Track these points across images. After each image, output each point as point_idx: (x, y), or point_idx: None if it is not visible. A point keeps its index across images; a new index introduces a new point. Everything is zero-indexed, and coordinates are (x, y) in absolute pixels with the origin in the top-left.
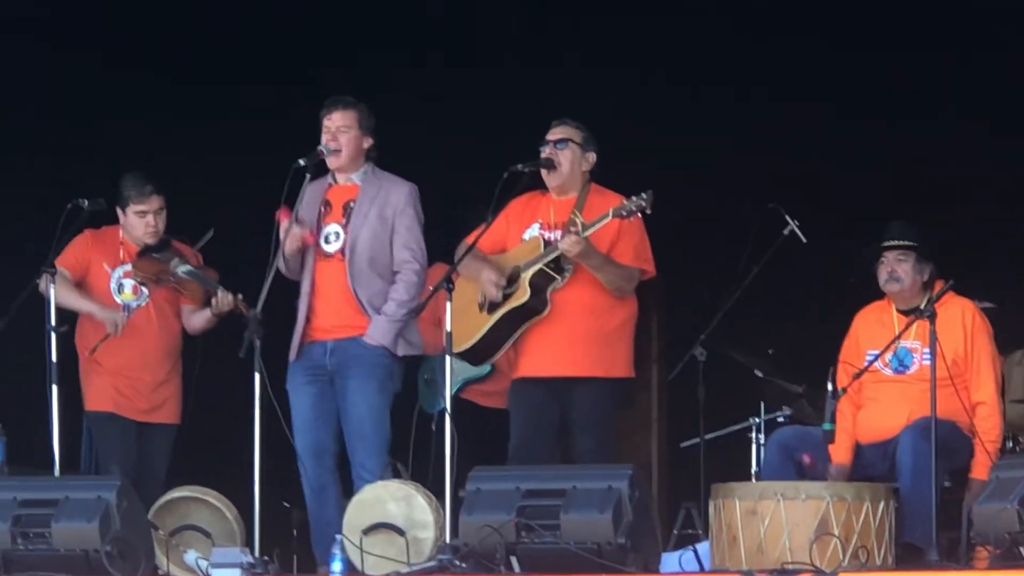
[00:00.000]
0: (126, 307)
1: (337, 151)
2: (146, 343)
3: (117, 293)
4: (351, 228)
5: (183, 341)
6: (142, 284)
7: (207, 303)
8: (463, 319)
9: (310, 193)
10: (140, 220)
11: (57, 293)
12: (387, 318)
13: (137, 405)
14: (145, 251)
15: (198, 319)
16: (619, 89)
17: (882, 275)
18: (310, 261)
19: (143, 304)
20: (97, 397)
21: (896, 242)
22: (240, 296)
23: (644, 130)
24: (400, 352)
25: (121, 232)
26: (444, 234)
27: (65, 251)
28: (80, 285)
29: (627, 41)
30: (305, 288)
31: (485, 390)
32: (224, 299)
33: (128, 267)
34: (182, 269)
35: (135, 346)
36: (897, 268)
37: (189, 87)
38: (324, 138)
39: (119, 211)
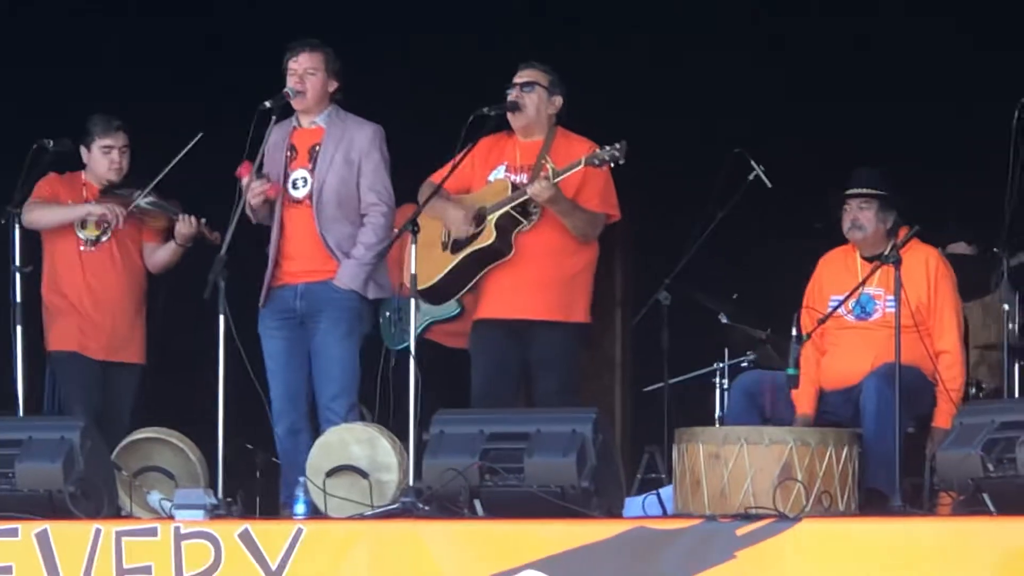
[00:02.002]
0: (88, 241)
1: (302, 93)
2: (109, 281)
3: (80, 229)
4: (317, 173)
5: (147, 281)
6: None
7: (170, 236)
8: (425, 258)
9: (275, 137)
10: (104, 157)
11: (41, 216)
12: (356, 261)
13: (101, 344)
14: (108, 189)
15: (162, 253)
16: (586, 34)
17: (845, 223)
18: (278, 207)
19: (106, 240)
20: (60, 337)
21: (859, 190)
22: (204, 220)
23: (610, 74)
24: (371, 295)
25: (84, 174)
26: (413, 174)
27: (36, 189)
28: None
29: None
30: (274, 234)
31: (450, 330)
32: (187, 224)
33: (92, 205)
34: (145, 200)
35: (99, 285)
36: (860, 216)
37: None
38: (290, 80)
39: (83, 150)
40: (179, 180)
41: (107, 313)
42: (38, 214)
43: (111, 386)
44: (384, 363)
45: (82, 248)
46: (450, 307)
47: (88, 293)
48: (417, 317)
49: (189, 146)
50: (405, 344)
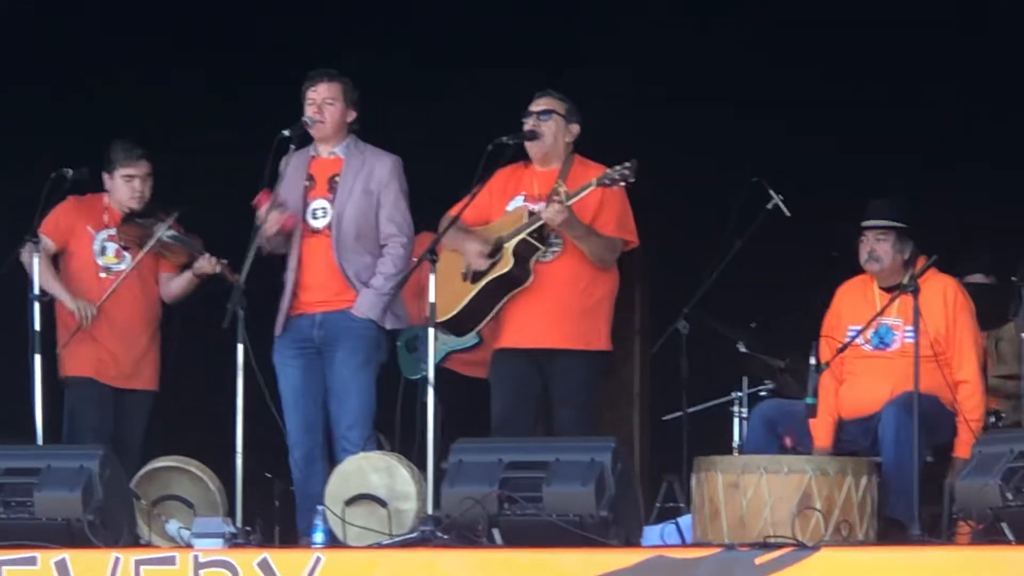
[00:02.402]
0: (107, 270)
1: (321, 122)
2: (127, 309)
3: (100, 255)
4: (337, 204)
5: (161, 309)
6: (125, 249)
7: (187, 267)
8: (446, 289)
9: (292, 166)
10: (127, 185)
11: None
12: (375, 291)
13: (116, 371)
14: (129, 217)
15: (177, 284)
16: (601, 59)
17: (862, 254)
18: (297, 236)
19: (128, 269)
20: (76, 362)
21: (875, 222)
22: (226, 262)
23: (628, 102)
24: (388, 325)
25: (106, 198)
26: (431, 203)
27: (48, 216)
28: (63, 251)
29: (615, 8)
30: (292, 263)
31: (468, 359)
32: (209, 264)
33: (112, 231)
34: (167, 234)
35: (116, 312)
36: (877, 247)
37: (182, 56)
38: (308, 110)
39: (105, 176)
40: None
41: (122, 340)
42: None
43: (124, 412)
44: (404, 393)
45: (101, 275)
46: (468, 337)
47: (105, 320)
48: (436, 347)
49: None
50: (422, 374)
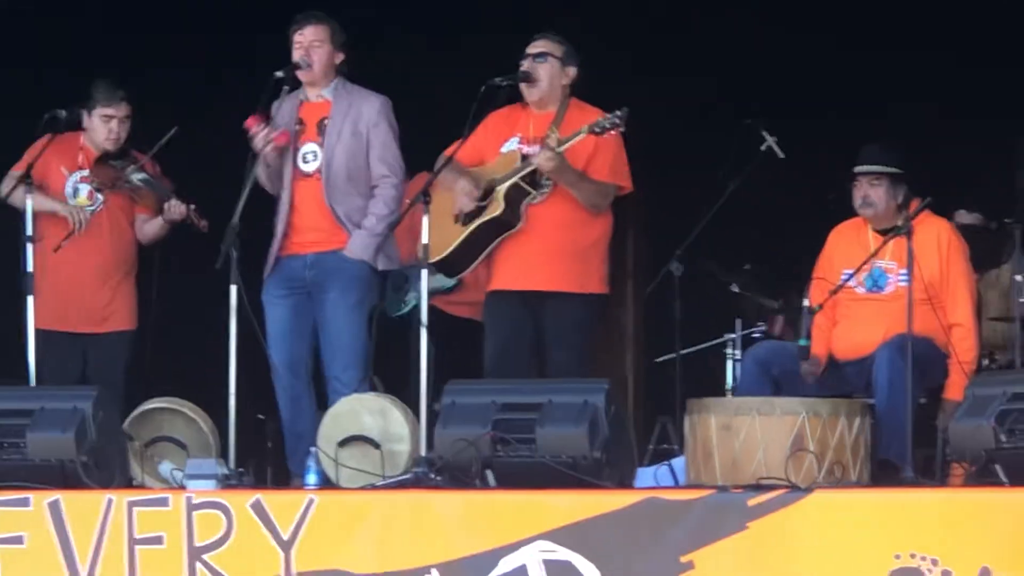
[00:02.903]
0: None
1: (309, 65)
2: (99, 250)
3: (72, 197)
4: (326, 146)
5: (136, 249)
6: (97, 190)
7: (161, 212)
8: (438, 230)
9: (283, 111)
10: (104, 125)
11: (12, 196)
12: (367, 232)
13: (84, 316)
14: (103, 158)
15: (151, 227)
16: (598, 4)
17: (856, 199)
18: (287, 179)
19: (98, 209)
20: (40, 312)
21: (868, 167)
22: (193, 207)
23: (623, 44)
24: (380, 267)
25: (82, 137)
26: (425, 144)
27: (26, 155)
28: (38, 187)
29: None
30: (283, 206)
31: (450, 299)
32: (176, 208)
33: (85, 172)
34: (137, 176)
35: (88, 252)
36: (870, 192)
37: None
38: (296, 53)
39: (84, 114)
40: (186, 152)
41: (95, 281)
42: (17, 196)
43: (98, 355)
44: (382, 330)
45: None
46: (446, 280)
47: (76, 261)
48: (413, 288)
49: (165, 139)
50: (402, 311)
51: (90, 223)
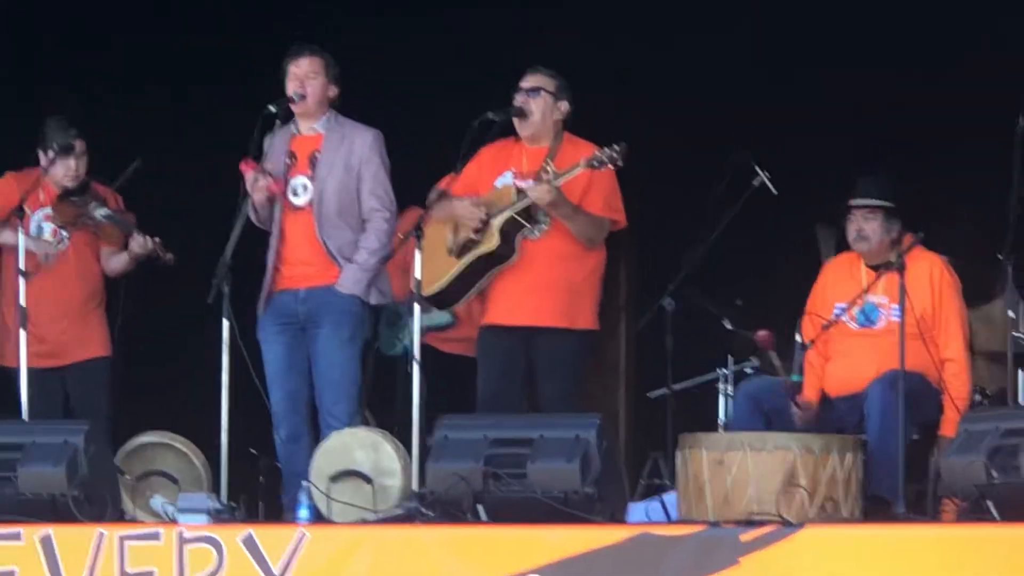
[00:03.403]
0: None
1: (304, 97)
2: (65, 287)
3: (37, 238)
4: (317, 179)
5: (104, 282)
6: (61, 228)
7: (127, 245)
8: (431, 263)
9: (274, 144)
10: (62, 163)
11: None
12: (359, 267)
13: (59, 349)
14: (64, 195)
15: (117, 262)
16: (590, 35)
17: (850, 233)
18: (278, 213)
19: (63, 248)
20: (11, 351)
21: (863, 201)
22: (158, 240)
23: (615, 78)
24: (372, 301)
25: (42, 175)
26: (416, 178)
27: None
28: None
29: None
30: (274, 241)
31: (444, 336)
32: (141, 242)
33: (48, 210)
34: (100, 212)
35: (54, 289)
36: (865, 227)
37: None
38: (290, 85)
39: (40, 153)
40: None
41: (63, 319)
42: None
43: (79, 383)
44: (377, 368)
45: (39, 258)
46: (442, 316)
47: (43, 298)
48: (405, 326)
49: (128, 171)
50: (398, 349)
51: (57, 259)
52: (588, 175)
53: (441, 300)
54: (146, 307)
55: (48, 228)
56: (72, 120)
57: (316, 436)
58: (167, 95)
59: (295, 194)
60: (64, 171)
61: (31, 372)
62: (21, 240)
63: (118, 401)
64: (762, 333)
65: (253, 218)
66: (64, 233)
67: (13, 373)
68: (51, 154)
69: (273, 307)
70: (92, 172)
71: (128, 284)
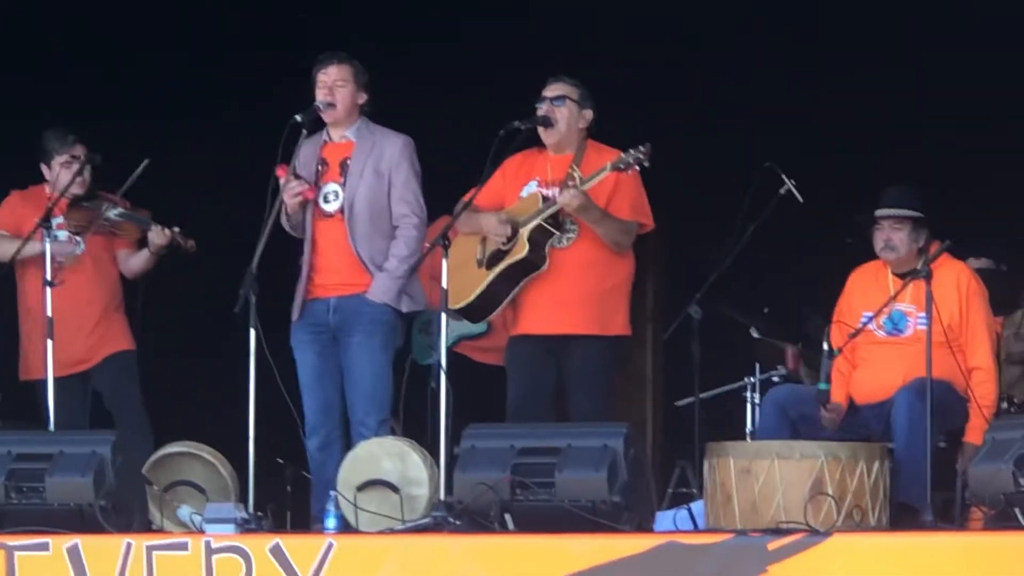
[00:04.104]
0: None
1: (332, 105)
2: (84, 292)
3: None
4: (348, 186)
5: (122, 284)
6: (76, 234)
7: (144, 243)
8: (461, 276)
9: (305, 152)
10: (67, 170)
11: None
12: (389, 275)
13: (79, 358)
14: (74, 201)
15: (136, 261)
16: (618, 42)
17: (878, 243)
18: (309, 220)
19: (79, 253)
20: (36, 363)
21: (891, 211)
22: (177, 229)
23: (642, 86)
24: (404, 308)
25: (47, 188)
26: (447, 187)
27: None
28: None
29: None
30: (306, 248)
31: (479, 346)
32: (160, 233)
33: (59, 219)
34: (113, 212)
35: (73, 298)
36: (893, 236)
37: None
38: (319, 93)
39: (44, 167)
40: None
41: (83, 324)
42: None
43: (108, 379)
44: (412, 377)
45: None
46: (478, 324)
47: (63, 305)
48: (447, 331)
49: (136, 173)
50: (432, 358)
51: (74, 265)
52: (614, 180)
53: (473, 312)
54: (173, 315)
55: (63, 236)
56: (69, 128)
57: (348, 445)
58: (189, 108)
59: (326, 201)
60: (70, 177)
61: (56, 381)
62: (48, 249)
63: (161, 413)
64: (791, 351)
65: (286, 225)
66: (79, 239)
67: (37, 385)
68: (53, 157)
69: (306, 315)
70: (98, 181)
71: (146, 286)
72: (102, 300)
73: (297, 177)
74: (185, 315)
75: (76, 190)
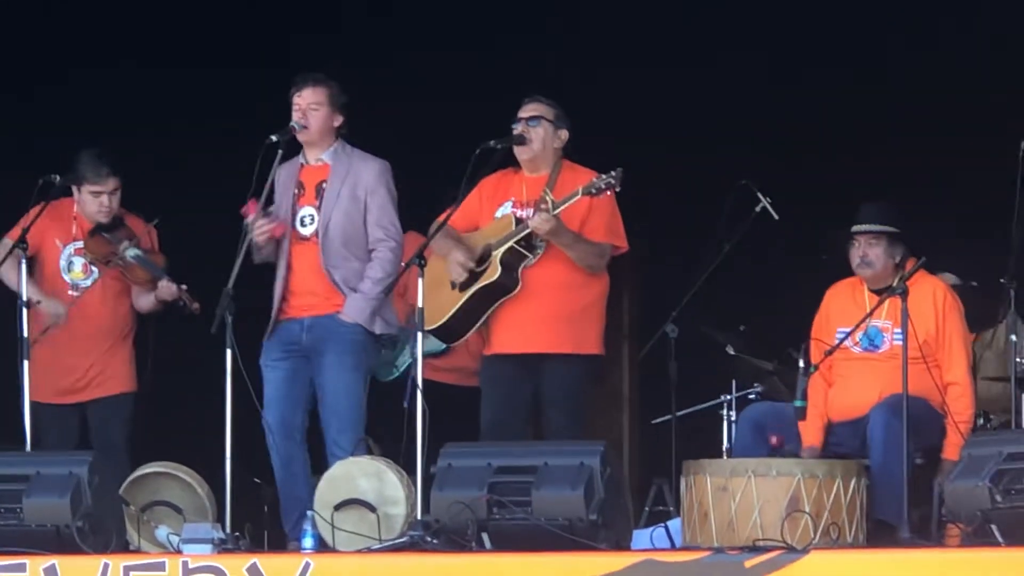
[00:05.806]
0: (74, 286)
1: (307, 128)
2: (94, 323)
3: (67, 271)
4: (323, 210)
5: (134, 314)
6: (91, 264)
7: (154, 287)
8: (435, 296)
9: (284, 174)
10: (94, 200)
11: (5, 272)
12: (363, 296)
13: (80, 386)
14: (97, 230)
15: (145, 301)
16: (591, 63)
17: (854, 259)
18: (285, 243)
19: (92, 284)
20: (39, 385)
21: (867, 227)
22: (184, 287)
23: (617, 107)
24: (377, 330)
25: (75, 207)
26: (419, 203)
27: (20, 222)
28: (34, 256)
29: (599, 16)
30: (281, 270)
31: (437, 365)
32: (167, 288)
33: (79, 244)
34: (130, 253)
35: (83, 325)
36: (869, 252)
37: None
38: (294, 116)
39: (73, 188)
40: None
41: (90, 354)
42: (5, 267)
43: (99, 416)
44: (382, 394)
45: (70, 292)
46: (436, 344)
47: (72, 334)
48: (409, 352)
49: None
50: (393, 376)
51: (87, 295)
52: (588, 202)
53: (446, 333)
54: (148, 334)
55: (79, 263)
56: (103, 156)
57: (321, 464)
58: (186, 126)
59: (302, 224)
60: (96, 207)
61: (51, 408)
62: (23, 271)
63: (139, 433)
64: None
65: (255, 255)
66: (94, 269)
67: (42, 408)
68: (83, 184)
69: (277, 335)
70: (125, 205)
71: (157, 321)
72: (110, 329)
73: (269, 203)
74: (162, 334)
75: (101, 219)
